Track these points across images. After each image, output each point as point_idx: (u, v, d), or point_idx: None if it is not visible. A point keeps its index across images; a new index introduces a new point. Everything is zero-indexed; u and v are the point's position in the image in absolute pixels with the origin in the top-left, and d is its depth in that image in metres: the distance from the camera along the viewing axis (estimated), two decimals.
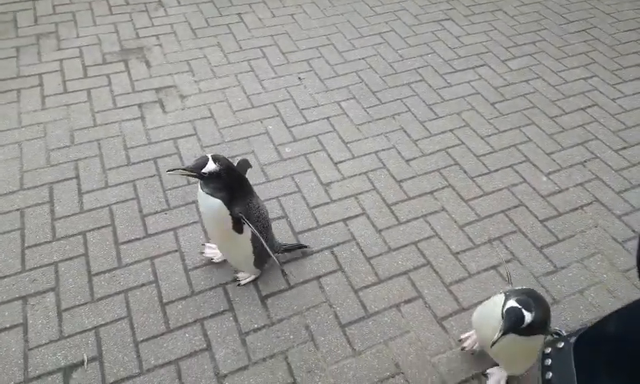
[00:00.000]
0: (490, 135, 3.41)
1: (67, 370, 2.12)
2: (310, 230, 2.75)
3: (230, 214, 2.14)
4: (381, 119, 3.49)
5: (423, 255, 2.65)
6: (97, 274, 2.47)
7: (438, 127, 3.45)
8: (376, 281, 2.53)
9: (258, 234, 2.18)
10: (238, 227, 2.21)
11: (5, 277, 2.41)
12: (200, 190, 2.15)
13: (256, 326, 2.33)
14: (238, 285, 2.48)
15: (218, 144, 3.23)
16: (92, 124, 3.28)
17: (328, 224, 2.79)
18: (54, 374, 2.10)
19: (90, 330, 2.26)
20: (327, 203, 2.90)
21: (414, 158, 3.21)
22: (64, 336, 2.22)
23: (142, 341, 2.24)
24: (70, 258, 2.52)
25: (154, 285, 2.45)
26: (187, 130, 3.29)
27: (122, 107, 3.42)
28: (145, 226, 2.70)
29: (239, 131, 3.32)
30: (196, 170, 2.05)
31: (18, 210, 2.72)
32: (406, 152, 3.25)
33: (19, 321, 2.26)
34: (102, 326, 2.28)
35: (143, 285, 2.44)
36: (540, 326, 1.83)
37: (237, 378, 2.14)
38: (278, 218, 2.78)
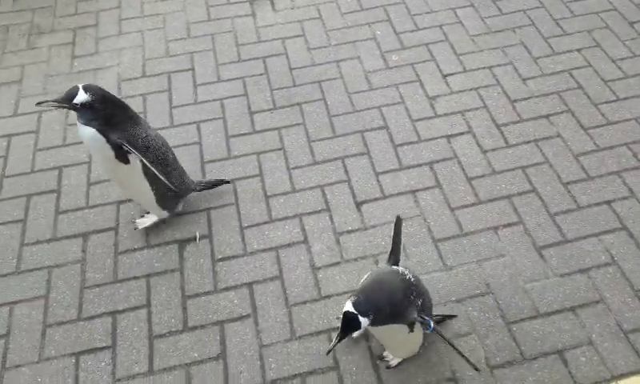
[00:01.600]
0: (623, 58, 3.05)
1: (181, 243, 2.37)
2: (410, 143, 2.71)
3: (108, 142, 2.04)
4: (499, 31, 3.23)
5: (529, 181, 2.53)
6: (208, 161, 2.65)
7: (564, 45, 3.14)
8: (475, 201, 2.48)
9: (144, 161, 2.07)
10: (121, 156, 2.08)
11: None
12: (77, 121, 2.06)
13: (350, 228, 2.42)
14: (135, 228, 2.39)
15: (325, 47, 3.20)
16: (206, 18, 3.37)
17: (430, 139, 2.73)
18: (170, 244, 2.36)
19: (202, 210, 2.47)
20: (431, 117, 2.82)
21: (532, 77, 2.98)
22: (180, 213, 2.46)
23: (247, 227, 2.42)
24: (185, 145, 2.72)
25: (258, 178, 2.59)
26: (295, 31, 3.28)
27: (235, 3, 3.46)
28: (252, 123, 2.81)
29: (347, 35, 3.26)
30: (66, 101, 1.97)
31: (141, 95, 2.94)
32: (524, 69, 3.02)
33: None
34: (212, 209, 2.48)
35: (249, 177, 2.60)
36: (394, 315, 1.65)
37: (329, 272, 2.27)
38: (378, 129, 2.77)
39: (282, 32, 3.28)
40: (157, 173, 2.12)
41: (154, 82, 3.00)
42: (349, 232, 2.40)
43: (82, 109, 1.98)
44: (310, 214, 2.46)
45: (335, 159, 2.66)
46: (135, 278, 2.25)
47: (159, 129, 2.75)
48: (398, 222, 1.85)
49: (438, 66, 3.06)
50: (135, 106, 2.85)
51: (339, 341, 1.55)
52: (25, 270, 2.27)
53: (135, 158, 2.09)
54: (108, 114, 2.02)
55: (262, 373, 2.00)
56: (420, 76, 3.01)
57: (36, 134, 2.76)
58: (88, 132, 2.02)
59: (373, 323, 1.59)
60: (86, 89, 1.98)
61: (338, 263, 2.30)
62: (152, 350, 2.05)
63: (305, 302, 2.18)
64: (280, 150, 2.70)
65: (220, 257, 2.33)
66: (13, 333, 2.09)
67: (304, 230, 2.41)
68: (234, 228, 2.41)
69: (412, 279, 1.73)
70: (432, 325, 1.67)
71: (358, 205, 2.49)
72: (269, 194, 2.53)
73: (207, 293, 2.21)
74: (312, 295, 2.20)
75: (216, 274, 2.27)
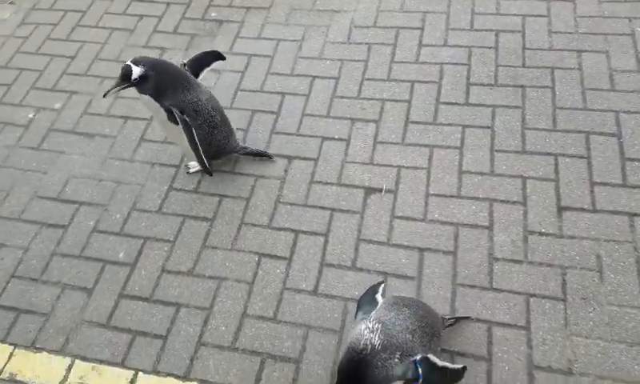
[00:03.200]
0: None
1: (367, 191, 2.47)
2: None
3: (161, 107, 2.25)
4: None
5: None
6: (413, 122, 2.67)
7: None
8: None
9: (184, 126, 2.26)
10: (172, 119, 2.28)
11: (345, 97, 2.84)
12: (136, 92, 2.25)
13: (543, 230, 2.23)
14: (187, 172, 2.63)
15: (569, 33, 2.89)
16: None
17: None
18: (358, 189, 2.48)
19: (394, 166, 2.53)
20: None
21: None
22: (373, 163, 2.56)
23: (433, 194, 2.41)
24: (395, 101, 2.77)
25: (457, 150, 2.53)
26: (540, 10, 3.02)
27: None
28: (467, 94, 2.72)
29: (599, 25, 2.88)
30: (126, 81, 2.15)
31: (366, 44, 3.06)
32: None
33: (346, 137, 2.67)
34: (403, 167, 2.52)
35: (449, 147, 2.55)
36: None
37: (506, 267, 2.15)
38: (609, 135, 2.44)
39: (525, 9, 3.04)
40: (189, 133, 2.30)
41: (381, 34, 3.09)
42: (541, 234, 2.22)
43: (141, 82, 2.20)
44: (502, 202, 2.33)
45: (547, 154, 2.44)
46: (322, 207, 2.43)
47: (370, 80, 2.86)
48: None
49: None
50: (358, 53, 3.01)
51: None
52: (239, 173, 2.63)
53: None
54: (159, 80, 2.23)
55: None
56: None
57: (270, 58, 3.09)
58: (145, 98, 2.27)
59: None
60: (136, 62, 2.18)
61: (519, 262, 2.15)
62: (320, 274, 2.22)
63: (473, 286, 2.11)
64: (488, 128, 2.58)
65: (400, 215, 2.37)
66: (217, 219, 2.46)
67: (491, 216, 2.30)
68: (420, 192, 2.42)
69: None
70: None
71: (560, 209, 2.27)
72: (464, 169, 2.46)
73: (380, 243, 2.29)
74: (483, 283, 2.12)
75: (392, 228, 2.33)
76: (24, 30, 3.48)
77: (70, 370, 2.09)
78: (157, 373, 2.05)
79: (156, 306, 2.22)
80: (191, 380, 2.02)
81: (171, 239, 2.41)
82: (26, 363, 2.13)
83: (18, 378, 2.10)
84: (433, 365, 1.59)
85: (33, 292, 2.32)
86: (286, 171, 2.59)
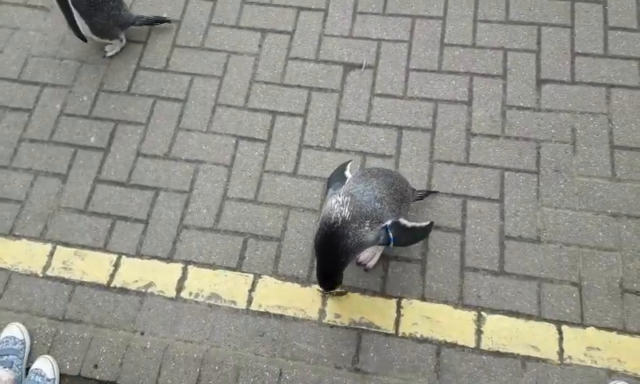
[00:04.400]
0: None
1: (347, 67, 2.38)
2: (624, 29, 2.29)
3: None
4: None
5: None
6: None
7: None
8: None
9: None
10: None
11: None
12: None
13: (522, 104, 2.22)
14: (104, 56, 2.49)
15: None
16: None
17: None
18: (337, 66, 2.38)
19: (374, 39, 2.41)
20: None
21: None
22: (352, 36, 2.43)
23: (413, 69, 2.34)
24: None
25: (440, 21, 2.41)
26: None
27: None
28: None
29: None
30: None
31: None
32: None
33: (323, 7, 2.50)
34: (384, 40, 2.41)
35: (431, 17, 2.43)
36: None
37: (483, 142, 2.16)
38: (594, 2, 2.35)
39: None
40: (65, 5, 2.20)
41: None
42: (519, 108, 2.21)
43: None
44: (482, 76, 2.29)
45: (531, 24, 2.36)
46: (299, 86, 2.35)
47: None
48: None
49: None
50: None
51: None
52: (209, 48, 2.48)
53: None
54: None
55: None
56: None
57: None
58: None
59: None
60: None
61: (496, 136, 2.17)
62: (299, 156, 2.21)
63: (449, 162, 2.14)
64: None
65: (379, 92, 2.31)
66: (189, 101, 2.37)
67: (471, 91, 2.26)
68: (400, 67, 2.34)
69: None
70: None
71: (540, 82, 2.25)
72: (445, 41, 2.37)
73: (359, 122, 2.25)
74: (459, 158, 2.14)
75: (371, 107, 2.28)
76: None
77: (52, 255, 2.11)
78: (140, 256, 2.09)
79: (134, 190, 2.20)
80: (175, 261, 2.07)
81: (143, 122, 2.32)
82: (5, 250, 2.13)
83: (0, 265, 2.12)
84: (403, 227, 1.71)
85: (4, 179, 2.26)
86: (259, 47, 2.45)
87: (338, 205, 1.59)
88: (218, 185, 2.18)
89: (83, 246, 2.11)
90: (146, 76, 2.43)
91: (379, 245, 1.72)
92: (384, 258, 1.99)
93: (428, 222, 1.85)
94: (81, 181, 2.23)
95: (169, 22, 2.53)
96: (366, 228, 1.60)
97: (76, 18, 2.27)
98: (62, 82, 2.44)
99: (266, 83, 2.36)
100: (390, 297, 1.94)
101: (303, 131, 2.26)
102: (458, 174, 2.12)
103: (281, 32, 2.47)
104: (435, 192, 2.09)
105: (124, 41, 2.50)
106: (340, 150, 2.20)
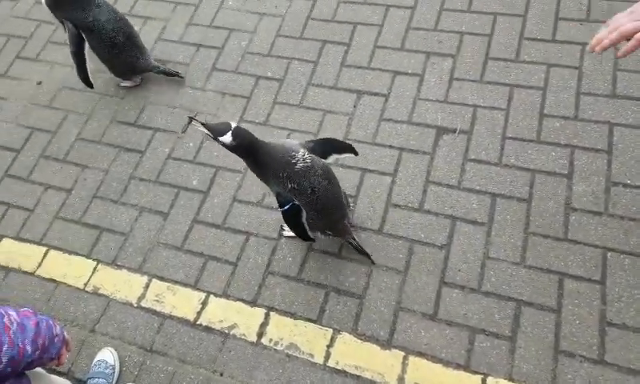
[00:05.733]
0: None
1: (440, 130, 2.39)
2: None
3: (56, 18, 2.52)
4: None
5: None
6: (493, 58, 2.51)
7: None
8: None
9: (69, 37, 2.48)
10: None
11: (420, 29, 2.69)
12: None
13: (628, 182, 2.09)
14: (119, 84, 2.84)
15: None
16: None
17: None
18: (430, 128, 2.40)
19: (469, 106, 2.41)
20: None
21: None
22: (447, 101, 2.45)
23: (509, 138, 2.29)
24: (474, 34, 2.60)
25: (540, 92, 2.37)
26: None
27: None
28: (555, 30, 2.51)
29: None
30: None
31: None
32: None
33: (420, 72, 2.56)
34: (480, 107, 2.40)
35: (531, 87, 2.39)
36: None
37: (584, 219, 2.05)
38: None
39: None
40: (75, 51, 2.53)
41: None
42: (625, 186, 2.08)
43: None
44: (585, 149, 2.19)
45: (638, 99, 2.25)
46: (390, 146, 2.38)
47: (449, 11, 2.69)
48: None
49: None
50: None
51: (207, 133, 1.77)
52: (306, 106, 2.60)
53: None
54: None
55: (479, 281, 2.01)
56: None
57: None
58: (44, 6, 2.48)
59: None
60: None
61: (599, 213, 2.05)
62: (386, 214, 2.22)
63: (546, 236, 2.04)
64: (576, 69, 2.39)
65: (473, 157, 2.29)
66: None
67: (572, 164, 2.17)
68: (496, 134, 2.31)
69: (300, 164, 1.78)
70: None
71: None
72: (545, 112, 2.32)
73: (450, 186, 2.23)
74: (557, 233, 2.04)
75: (464, 171, 2.26)
76: None
77: (148, 287, 2.25)
78: (227, 296, 2.16)
79: (227, 233, 2.31)
80: (259, 306, 2.12)
81: (242, 171, 2.46)
82: (107, 278, 2.30)
83: (101, 291, 2.28)
84: (298, 215, 1.90)
85: (114, 212, 2.47)
86: (354, 107, 2.54)
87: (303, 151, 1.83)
88: None
89: (176, 282, 2.23)
90: (247, 129, 2.58)
91: (277, 199, 1.90)
92: (470, 329, 1.91)
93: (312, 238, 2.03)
94: (180, 220, 2.38)
95: (181, 77, 2.79)
96: (290, 185, 1.80)
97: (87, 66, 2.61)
98: (172, 127, 2.67)
99: (359, 142, 2.42)
100: (475, 372, 1.85)
101: (391, 190, 2.27)
102: (556, 249, 2.01)
103: (376, 94, 2.55)
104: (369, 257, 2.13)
105: (139, 82, 2.85)
106: (429, 212, 2.19)
